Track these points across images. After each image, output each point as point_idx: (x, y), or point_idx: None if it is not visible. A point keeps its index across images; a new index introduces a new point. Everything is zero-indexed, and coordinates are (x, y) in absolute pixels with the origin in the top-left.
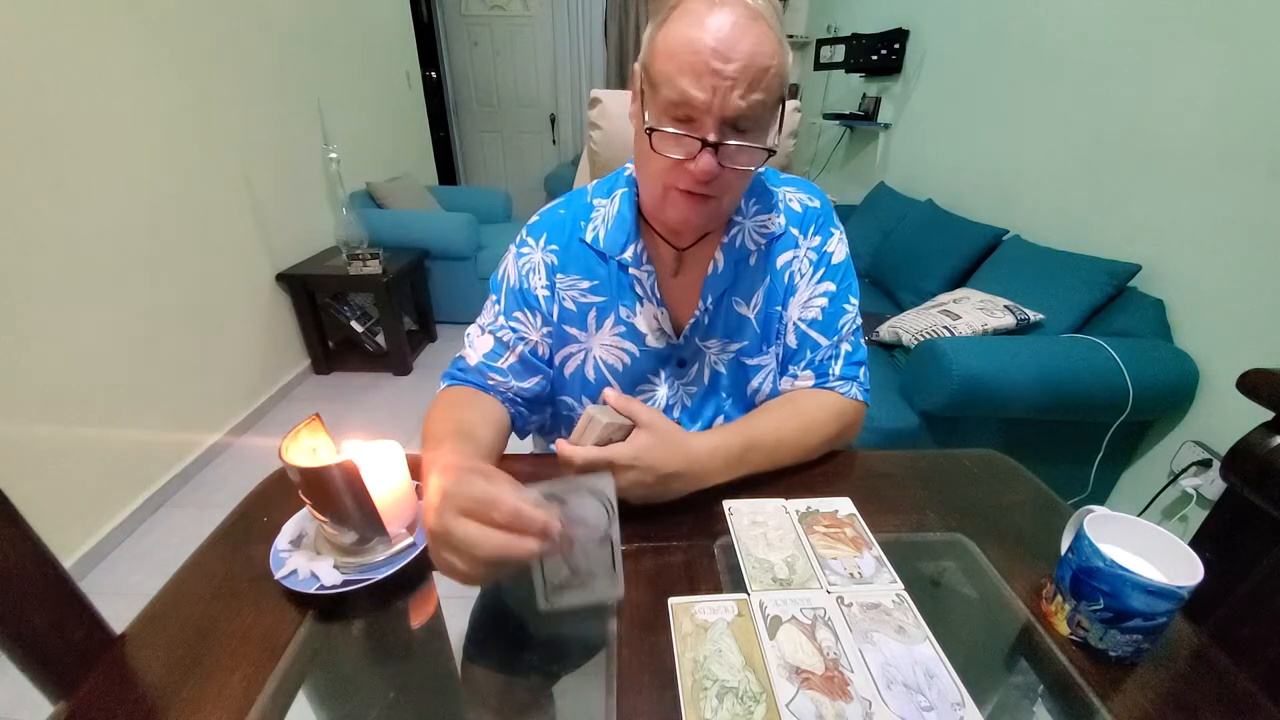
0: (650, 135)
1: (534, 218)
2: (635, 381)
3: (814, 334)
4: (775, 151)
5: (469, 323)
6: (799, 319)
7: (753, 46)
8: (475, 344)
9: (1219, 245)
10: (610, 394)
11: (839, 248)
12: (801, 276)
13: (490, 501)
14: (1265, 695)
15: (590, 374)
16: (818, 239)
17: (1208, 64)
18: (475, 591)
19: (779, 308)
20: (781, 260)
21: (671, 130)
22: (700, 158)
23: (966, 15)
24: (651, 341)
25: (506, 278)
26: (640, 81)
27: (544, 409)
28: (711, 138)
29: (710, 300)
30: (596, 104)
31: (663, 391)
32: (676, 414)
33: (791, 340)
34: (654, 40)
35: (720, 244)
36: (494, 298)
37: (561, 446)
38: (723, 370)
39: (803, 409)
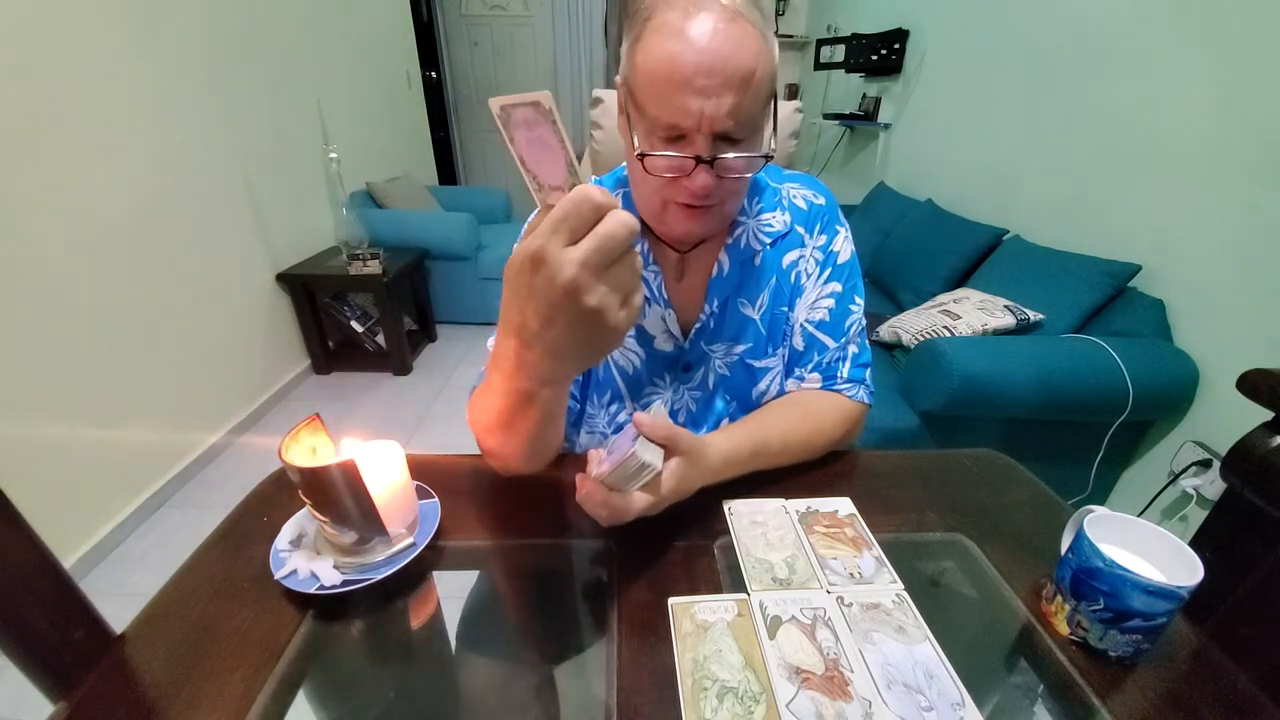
0: (643, 162)
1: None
2: (640, 386)
3: (821, 336)
4: (772, 157)
5: (469, 323)
6: (806, 320)
7: (734, 50)
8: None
9: (1219, 245)
10: (645, 420)
11: (844, 246)
12: (808, 277)
13: (564, 216)
14: (1265, 695)
15: (600, 374)
16: (823, 237)
17: (1208, 64)
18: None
19: (785, 308)
20: (787, 259)
21: (663, 154)
22: (695, 175)
23: (966, 15)
24: (659, 344)
25: None
26: (624, 99)
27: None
28: (705, 154)
29: (716, 304)
30: (598, 103)
31: (666, 396)
32: (681, 419)
33: (798, 342)
34: (633, 57)
35: (724, 245)
36: None
37: (613, 499)
38: (727, 373)
39: (810, 412)
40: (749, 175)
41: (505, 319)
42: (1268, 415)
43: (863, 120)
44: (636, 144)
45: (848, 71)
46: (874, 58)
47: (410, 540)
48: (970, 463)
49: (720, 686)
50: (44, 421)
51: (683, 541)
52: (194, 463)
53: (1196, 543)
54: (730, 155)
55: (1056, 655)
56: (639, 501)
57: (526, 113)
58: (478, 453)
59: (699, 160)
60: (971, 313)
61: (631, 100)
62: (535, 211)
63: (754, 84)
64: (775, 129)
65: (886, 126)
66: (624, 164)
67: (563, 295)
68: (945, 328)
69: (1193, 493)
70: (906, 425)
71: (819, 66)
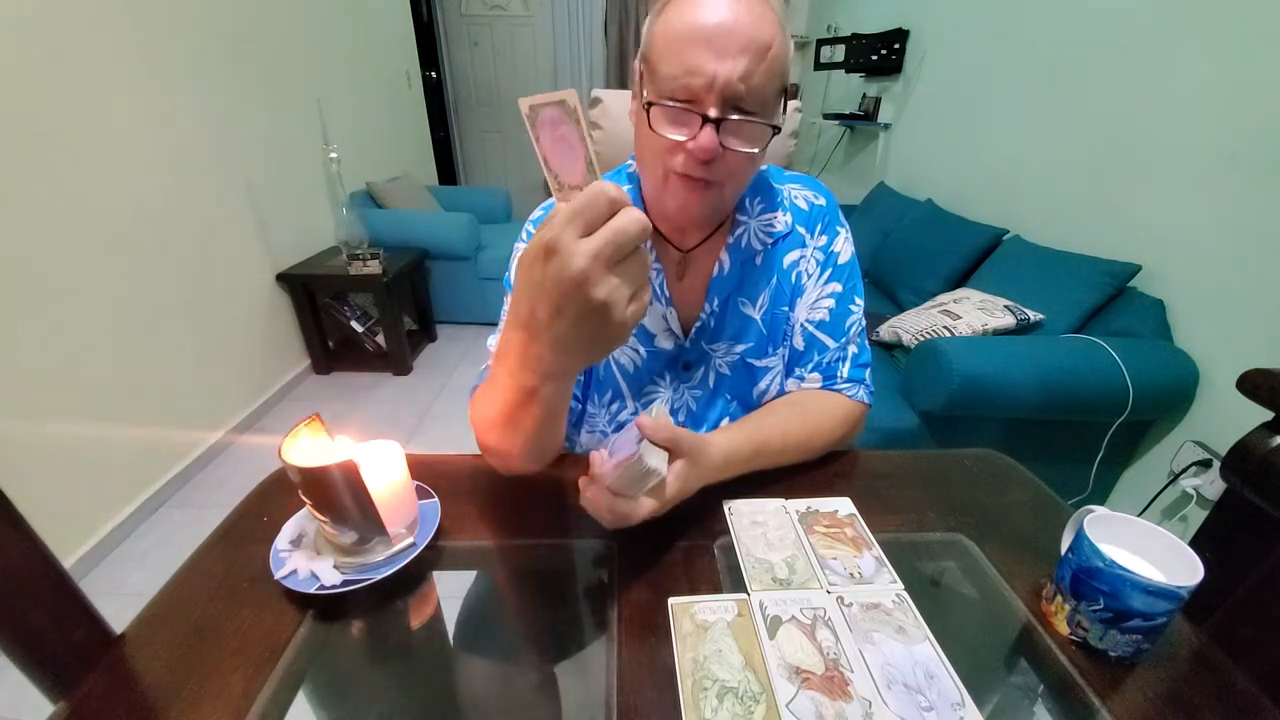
0: (649, 112)
1: (537, 211)
2: (640, 384)
3: (821, 336)
4: (779, 129)
5: (469, 323)
6: (806, 320)
7: (754, 23)
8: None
9: (1219, 245)
10: (648, 424)
11: (845, 247)
12: (809, 277)
13: (579, 209)
14: (1265, 695)
15: (601, 372)
16: (824, 238)
17: (1208, 64)
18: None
19: (785, 308)
20: (788, 260)
21: (671, 104)
22: (701, 134)
23: (966, 15)
24: (660, 342)
25: None
26: (639, 77)
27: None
28: (713, 113)
29: (716, 303)
30: (597, 104)
31: (666, 395)
32: (681, 418)
33: (799, 342)
34: (653, 28)
35: (725, 244)
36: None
37: (619, 505)
38: (728, 373)
39: (810, 411)
40: (751, 151)
41: (514, 311)
42: (1268, 415)
43: (863, 120)
44: (646, 95)
45: (848, 71)
46: (874, 58)
47: (410, 540)
48: (970, 463)
49: (720, 686)
50: (44, 421)
51: (683, 541)
52: (194, 463)
53: (1196, 543)
54: (737, 117)
55: (1056, 655)
56: (644, 507)
57: (553, 112)
58: (478, 453)
59: (706, 119)
60: (971, 313)
61: (647, 67)
62: (542, 206)
63: (769, 57)
64: (785, 111)
65: (886, 126)
66: (627, 162)
67: (573, 285)
68: (945, 328)
69: (1193, 493)
70: (906, 425)
71: (819, 66)
